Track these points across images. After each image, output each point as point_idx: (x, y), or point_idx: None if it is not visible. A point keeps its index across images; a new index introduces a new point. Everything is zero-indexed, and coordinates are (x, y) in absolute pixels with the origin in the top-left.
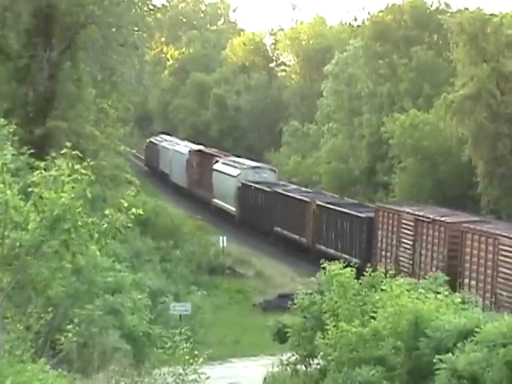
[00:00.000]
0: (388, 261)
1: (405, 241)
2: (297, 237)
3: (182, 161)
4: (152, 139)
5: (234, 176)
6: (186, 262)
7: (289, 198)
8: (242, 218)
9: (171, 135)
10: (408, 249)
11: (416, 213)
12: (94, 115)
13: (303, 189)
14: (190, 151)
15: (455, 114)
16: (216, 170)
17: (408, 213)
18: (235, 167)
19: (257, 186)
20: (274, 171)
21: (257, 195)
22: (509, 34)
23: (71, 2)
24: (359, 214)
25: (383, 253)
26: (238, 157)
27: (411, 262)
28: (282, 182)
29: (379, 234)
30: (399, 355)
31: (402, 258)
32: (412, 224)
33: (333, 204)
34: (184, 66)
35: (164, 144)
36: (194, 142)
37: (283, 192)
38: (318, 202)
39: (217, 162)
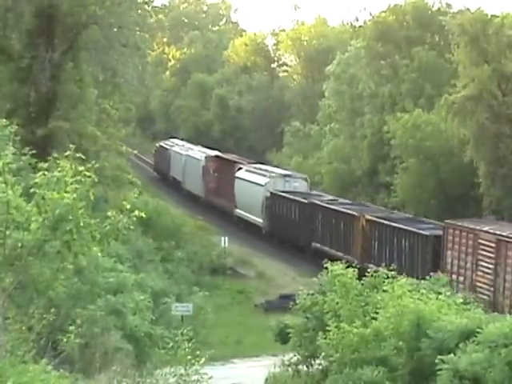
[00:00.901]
0: (461, 286)
1: (484, 264)
2: (341, 254)
3: (197, 167)
4: (162, 143)
5: (261, 185)
6: (188, 263)
7: (331, 211)
8: (270, 230)
9: (183, 140)
10: (488, 273)
11: (498, 232)
12: (95, 116)
13: (342, 200)
14: (206, 157)
15: (457, 114)
16: (239, 178)
17: (487, 232)
18: (262, 175)
19: (290, 196)
20: (306, 180)
21: (290, 206)
22: (510, 35)
23: (73, 3)
24: (423, 232)
25: (454, 276)
26: (261, 163)
27: (492, 289)
28: (314, 192)
29: (449, 255)
30: (401, 356)
31: (479, 284)
32: (493, 245)
33: (386, 219)
34: (186, 66)
35: (176, 149)
36: (208, 147)
37: (324, 204)
38: (368, 217)
39: (240, 169)
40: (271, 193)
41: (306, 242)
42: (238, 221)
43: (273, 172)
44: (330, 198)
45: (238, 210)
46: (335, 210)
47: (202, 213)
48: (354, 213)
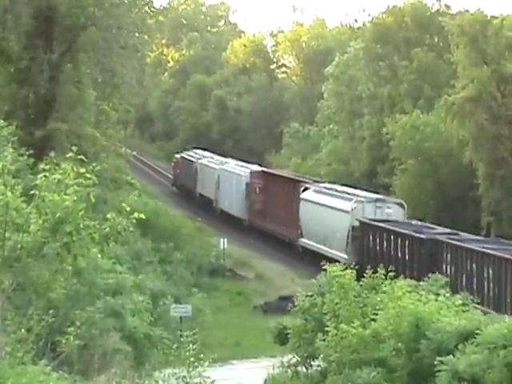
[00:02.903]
0: None
1: None
2: (491, 310)
3: (238, 185)
4: (184, 155)
5: (345, 211)
6: (187, 264)
7: (470, 253)
8: (361, 270)
9: (209, 151)
10: None
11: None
12: (94, 117)
13: (466, 235)
14: (251, 173)
15: (456, 116)
16: (307, 201)
17: None
18: (345, 199)
19: (395, 228)
20: (403, 206)
21: (393, 241)
22: (509, 36)
23: (71, 4)
24: None
25: None
26: (333, 183)
27: None
28: (414, 222)
29: None
30: (400, 357)
31: None
32: None
33: None
34: (184, 67)
35: (204, 162)
36: (245, 161)
37: (456, 243)
38: None
39: (306, 189)
40: (361, 222)
41: None
42: (303, 252)
43: (358, 195)
44: (446, 230)
45: (305, 240)
46: (479, 252)
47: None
48: (507, 255)
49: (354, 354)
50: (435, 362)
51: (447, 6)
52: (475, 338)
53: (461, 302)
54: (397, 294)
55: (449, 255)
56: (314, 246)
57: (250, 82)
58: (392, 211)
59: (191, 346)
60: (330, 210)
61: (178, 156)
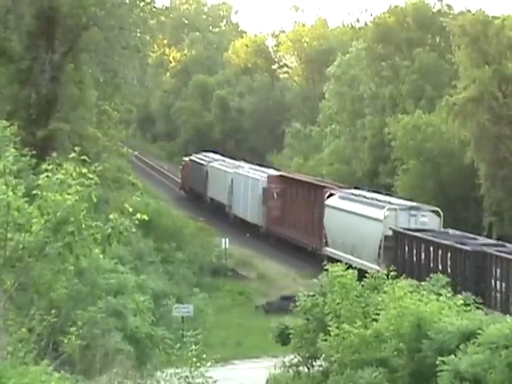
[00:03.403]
0: None
1: None
2: None
3: (254, 190)
4: (194, 158)
5: (377, 219)
6: (189, 264)
7: None
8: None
9: (220, 154)
10: None
11: None
12: (96, 117)
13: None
14: (269, 177)
15: (457, 116)
16: (333, 208)
17: None
18: (376, 206)
19: (434, 238)
20: (439, 214)
21: (434, 253)
22: (510, 36)
23: (73, 4)
24: None
25: None
26: (357, 188)
27: None
28: (451, 231)
29: None
30: (401, 357)
31: None
32: None
33: None
34: (186, 67)
35: (216, 165)
36: (261, 165)
37: (504, 255)
38: None
39: (331, 195)
40: (395, 231)
41: None
42: (328, 262)
43: (391, 202)
44: (491, 241)
45: (330, 250)
46: None
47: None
48: None
49: (356, 354)
50: (437, 362)
51: (449, 6)
52: (477, 338)
53: (462, 301)
54: (398, 294)
55: (498, 269)
56: (341, 255)
57: (251, 82)
58: (427, 220)
59: (193, 346)
60: (359, 218)
61: (186, 159)
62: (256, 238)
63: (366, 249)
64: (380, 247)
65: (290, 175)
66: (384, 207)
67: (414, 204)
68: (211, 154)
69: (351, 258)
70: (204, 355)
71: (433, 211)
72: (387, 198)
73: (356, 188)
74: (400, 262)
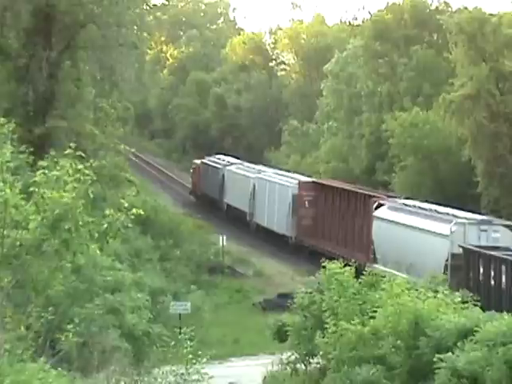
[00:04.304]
0: None
1: None
2: None
3: (282, 197)
4: (207, 161)
5: (443, 235)
6: (186, 261)
7: None
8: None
9: (236, 157)
10: None
11: None
12: (93, 114)
13: None
14: (300, 183)
15: (455, 113)
16: (384, 220)
17: None
18: (439, 220)
19: None
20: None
21: None
22: (508, 34)
23: (71, 2)
24: None
25: None
26: (409, 198)
27: None
28: None
29: None
30: (399, 354)
31: None
32: None
33: None
34: (184, 65)
35: (233, 169)
36: (283, 169)
37: None
38: None
39: (380, 205)
40: (465, 249)
41: None
42: None
43: (457, 216)
44: None
45: (379, 267)
46: None
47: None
48: None
49: (353, 351)
50: (434, 360)
51: (446, 4)
52: (474, 335)
53: (459, 299)
54: (395, 292)
55: None
56: (394, 274)
57: (249, 79)
58: (500, 235)
59: (189, 342)
60: (418, 233)
61: (197, 161)
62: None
63: (427, 268)
64: (446, 267)
65: (323, 182)
66: (450, 221)
67: (485, 218)
68: (225, 157)
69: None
70: (199, 352)
71: (506, 226)
72: (450, 210)
73: (407, 198)
74: (473, 285)
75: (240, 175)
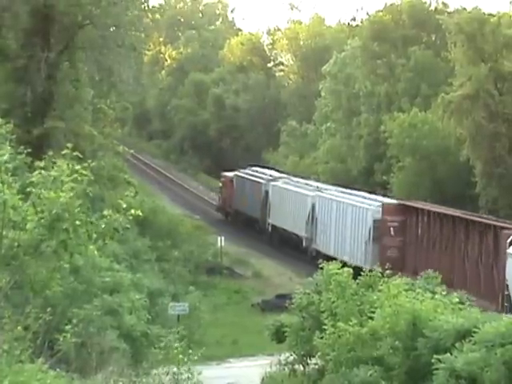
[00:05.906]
0: None
1: None
2: None
3: (359, 222)
4: (243, 174)
5: None
6: (184, 262)
7: None
8: None
9: (273, 169)
10: None
11: None
12: (92, 115)
13: None
14: (384, 206)
15: (453, 114)
16: None
17: None
18: None
19: None
20: None
21: None
22: (507, 34)
23: (69, 3)
24: None
25: None
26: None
27: None
28: None
29: None
30: (397, 355)
31: None
32: None
33: None
34: (182, 65)
35: (281, 184)
36: (347, 187)
37: None
38: None
39: None
40: None
41: None
42: None
43: None
44: None
45: None
46: None
47: None
48: None
49: (351, 352)
50: (432, 361)
51: (444, 4)
52: (473, 336)
53: (457, 299)
54: (393, 293)
55: None
56: None
57: (247, 80)
58: None
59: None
60: None
61: (228, 174)
62: None
63: None
64: None
65: (417, 205)
66: None
67: None
68: (262, 169)
69: None
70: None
71: None
72: None
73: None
74: None
75: (292, 192)
